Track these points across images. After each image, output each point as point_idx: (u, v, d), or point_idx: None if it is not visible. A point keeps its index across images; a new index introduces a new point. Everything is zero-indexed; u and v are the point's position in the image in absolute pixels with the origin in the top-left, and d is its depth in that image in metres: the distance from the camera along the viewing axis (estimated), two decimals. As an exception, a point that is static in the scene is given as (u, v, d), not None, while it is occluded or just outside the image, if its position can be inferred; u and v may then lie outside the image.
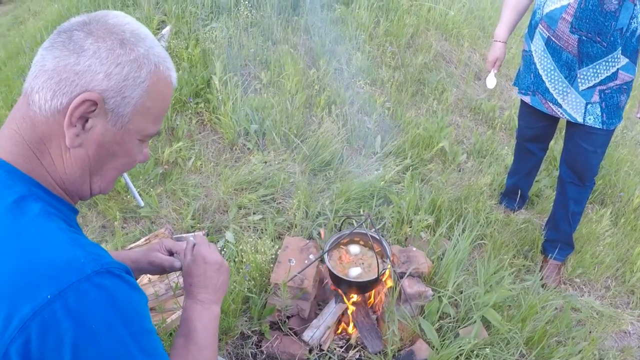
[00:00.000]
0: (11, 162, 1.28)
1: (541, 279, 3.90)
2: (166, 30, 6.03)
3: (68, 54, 1.26)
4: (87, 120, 1.28)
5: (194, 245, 1.85)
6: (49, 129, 1.28)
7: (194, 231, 3.97)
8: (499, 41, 3.97)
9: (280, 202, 4.20)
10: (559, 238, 4.09)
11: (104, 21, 1.31)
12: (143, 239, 3.77)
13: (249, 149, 4.80)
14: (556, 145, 5.16)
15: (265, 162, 4.57)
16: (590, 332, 3.59)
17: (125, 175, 1.73)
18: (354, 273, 3.17)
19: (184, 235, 3.81)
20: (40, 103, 1.26)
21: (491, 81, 4.08)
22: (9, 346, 1.07)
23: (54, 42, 1.29)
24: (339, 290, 3.25)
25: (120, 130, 1.34)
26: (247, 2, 6.19)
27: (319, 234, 3.84)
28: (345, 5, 6.82)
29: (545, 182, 4.91)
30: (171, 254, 2.00)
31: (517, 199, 4.53)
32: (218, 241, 3.83)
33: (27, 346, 1.08)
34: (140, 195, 4.18)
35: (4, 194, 1.23)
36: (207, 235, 3.91)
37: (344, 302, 3.26)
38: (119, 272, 1.22)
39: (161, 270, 1.96)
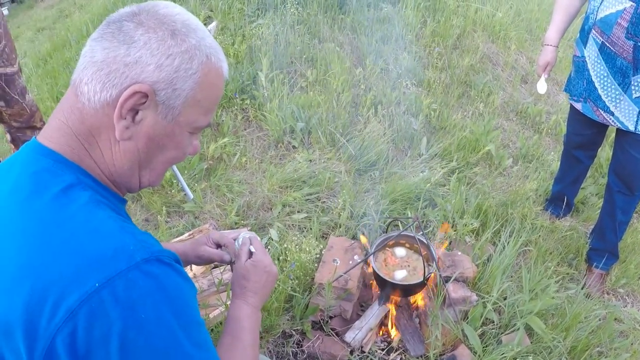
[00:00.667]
0: (59, 151, 1.27)
1: (584, 288, 3.86)
2: (212, 26, 6.05)
3: (118, 45, 1.23)
4: (137, 113, 1.26)
5: (249, 246, 1.85)
6: (98, 121, 1.27)
7: (237, 228, 3.97)
8: (550, 45, 3.91)
9: (324, 202, 4.19)
10: (604, 247, 4.03)
11: (154, 11, 1.29)
12: (187, 234, 3.78)
13: (294, 146, 4.80)
14: (602, 152, 5.09)
15: (311, 161, 4.56)
16: (632, 344, 3.54)
17: (175, 167, 1.73)
18: (400, 276, 3.15)
19: (228, 231, 3.82)
20: (90, 95, 1.24)
21: (542, 86, 4.03)
22: (55, 335, 1.06)
23: (103, 33, 1.27)
24: (386, 292, 3.24)
25: (171, 123, 1.32)
26: (293, 0, 6.20)
27: (362, 235, 3.83)
28: (392, 5, 6.79)
29: (591, 190, 4.85)
30: (218, 246, 2.00)
31: (563, 206, 4.47)
32: (262, 239, 3.83)
33: (74, 335, 1.06)
34: (180, 189, 4.21)
35: (52, 182, 1.21)
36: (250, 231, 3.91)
37: (387, 304, 3.25)
38: (169, 260, 1.21)
39: (210, 262, 1.98)
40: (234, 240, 1.96)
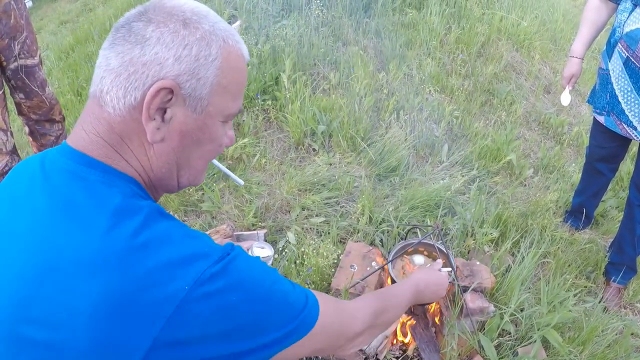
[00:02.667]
0: (104, 161, 1.24)
1: (601, 302, 3.83)
2: (236, 24, 6.06)
3: (131, 46, 1.20)
4: (165, 111, 1.23)
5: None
6: (127, 128, 1.23)
7: (254, 229, 3.97)
8: (576, 57, 3.89)
9: (343, 206, 4.18)
10: (622, 261, 4.00)
11: (161, 5, 1.26)
12: (204, 234, 3.77)
13: (314, 149, 4.79)
14: (624, 165, 5.06)
15: (331, 164, 4.55)
16: (649, 359, 3.52)
17: (214, 161, 1.70)
18: (418, 284, 3.14)
19: (245, 233, 3.82)
20: (113, 103, 1.21)
21: (566, 98, 4.01)
22: (149, 350, 1.07)
23: (113, 40, 1.24)
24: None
25: (201, 115, 1.28)
26: (318, 1, 6.20)
27: (381, 241, 3.81)
28: (417, 10, 6.78)
29: (612, 203, 4.82)
30: None
31: (583, 218, 4.44)
32: (279, 241, 3.82)
33: (171, 341, 1.09)
34: (199, 187, 4.21)
35: (106, 193, 1.19)
36: (269, 235, 3.90)
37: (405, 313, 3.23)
38: (234, 247, 1.24)
39: None
40: (247, 250, 1.96)
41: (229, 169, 4.31)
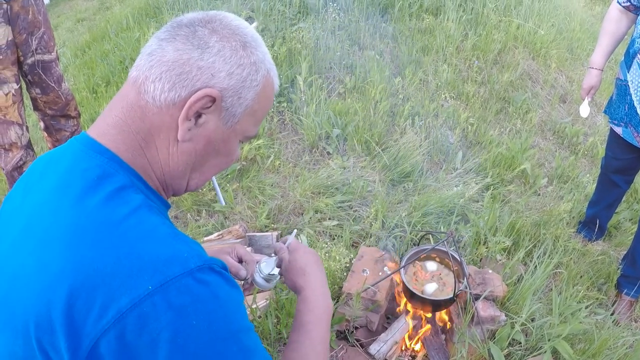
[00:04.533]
0: (113, 149, 1.27)
1: (612, 314, 3.81)
2: (253, 26, 6.04)
3: (192, 48, 1.26)
4: (200, 116, 1.29)
5: (288, 245, 1.88)
6: (160, 120, 1.28)
7: (267, 231, 3.97)
8: (596, 68, 3.87)
9: (357, 210, 4.18)
10: (635, 274, 3.96)
11: (227, 22, 1.33)
12: (215, 234, 3.78)
13: (328, 153, 4.80)
14: (638, 177, 5.04)
15: (345, 168, 4.55)
16: (659, 374, 3.50)
17: None
18: (431, 289, 3.13)
19: (257, 234, 3.81)
20: (156, 93, 1.25)
21: (585, 110, 4.00)
22: (100, 338, 1.06)
23: (175, 35, 1.28)
24: (414, 308, 3.22)
25: (229, 129, 1.35)
26: (335, 5, 6.20)
27: (393, 246, 3.81)
28: (434, 16, 6.78)
29: (625, 215, 4.80)
30: (240, 261, 1.99)
31: (596, 230, 4.42)
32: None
33: (121, 339, 1.06)
34: (212, 186, 4.22)
35: (105, 181, 1.21)
36: (280, 236, 3.90)
37: (414, 319, 3.23)
38: (219, 269, 1.21)
39: None
40: (257, 262, 1.95)
41: (241, 171, 4.33)
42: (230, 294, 1.21)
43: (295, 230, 1.98)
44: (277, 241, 2.02)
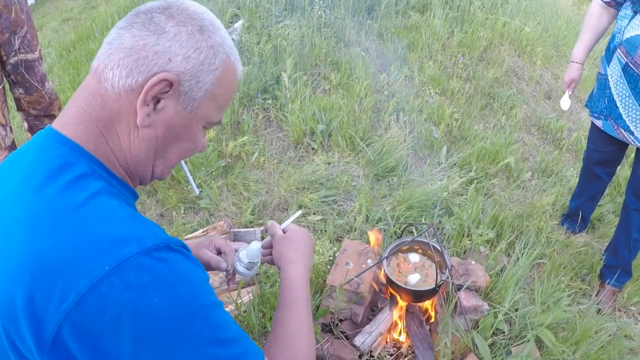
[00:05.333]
0: (75, 139, 1.28)
1: (596, 304, 3.84)
2: (239, 24, 6.07)
3: (148, 34, 1.26)
4: (159, 101, 1.29)
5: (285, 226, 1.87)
6: (119, 107, 1.28)
7: (252, 226, 3.98)
8: (576, 62, 3.91)
9: (341, 205, 4.19)
10: (617, 265, 4.01)
11: (184, 7, 1.33)
12: (200, 230, 3.79)
13: (313, 148, 4.81)
14: (621, 170, 5.07)
15: (329, 164, 4.57)
16: (642, 362, 3.53)
17: (182, 163, 1.74)
18: (414, 280, 3.14)
19: (242, 230, 3.82)
20: (114, 80, 1.26)
21: (565, 103, 4.03)
22: (62, 323, 1.05)
23: (132, 22, 1.29)
24: (397, 297, 3.23)
25: (190, 114, 1.35)
26: (321, 2, 6.22)
27: (370, 231, 3.82)
28: (420, 13, 6.80)
29: (608, 207, 4.83)
30: (219, 253, 2.00)
31: (579, 222, 4.45)
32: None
33: (83, 322, 1.05)
34: (197, 184, 4.22)
35: (65, 170, 1.22)
36: (265, 233, 3.91)
37: (398, 310, 3.24)
38: (178, 247, 1.21)
39: (206, 267, 1.94)
40: (236, 251, 1.96)
41: (226, 168, 4.34)
42: (191, 270, 1.21)
43: (301, 211, 1.99)
44: (262, 239, 2.02)
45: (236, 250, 1.96)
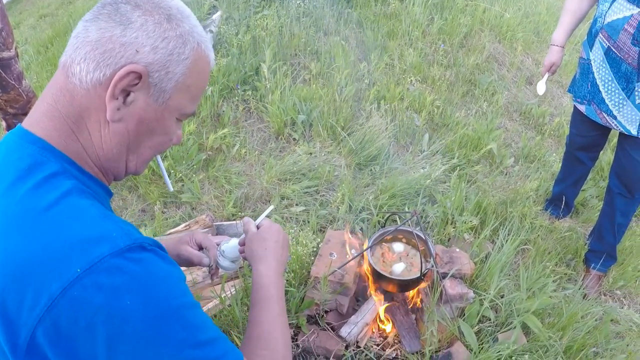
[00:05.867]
0: (45, 138, 1.25)
1: (581, 289, 3.84)
2: (217, 15, 6.04)
3: (114, 25, 1.23)
4: (128, 94, 1.25)
5: (260, 222, 1.84)
6: (88, 102, 1.25)
7: (234, 219, 3.95)
8: (557, 45, 3.90)
9: (323, 195, 4.17)
10: (602, 249, 4.02)
11: None
12: (183, 225, 3.76)
13: (294, 139, 4.78)
14: (604, 155, 5.07)
15: (311, 154, 4.55)
16: (628, 345, 3.52)
17: (158, 157, 1.72)
18: (399, 269, 3.13)
19: (225, 223, 3.80)
20: (82, 75, 1.23)
21: (541, 87, 4.03)
22: (36, 327, 1.04)
23: (98, 14, 1.26)
24: (382, 287, 3.21)
25: (161, 107, 1.32)
26: (300, -8, 6.19)
27: (361, 229, 3.80)
28: (400, 1, 6.79)
29: (592, 192, 4.83)
30: (200, 248, 1.98)
31: (562, 207, 4.45)
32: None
33: (57, 325, 1.03)
34: (177, 178, 4.19)
35: (35, 170, 1.19)
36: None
37: (382, 300, 3.22)
38: (151, 247, 1.18)
39: (188, 264, 1.94)
40: (218, 245, 1.94)
41: (207, 161, 4.31)
42: (166, 270, 1.18)
43: (273, 206, 1.97)
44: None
45: (218, 245, 1.94)
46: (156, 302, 1.11)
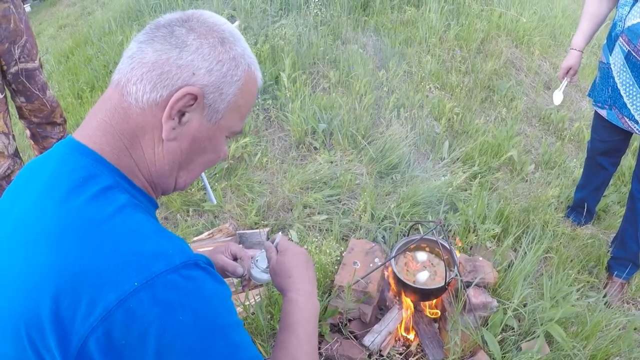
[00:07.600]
0: (98, 151, 1.28)
1: (604, 297, 3.82)
2: (235, 24, 6.04)
3: (170, 48, 1.27)
4: (184, 114, 1.30)
5: (277, 245, 1.85)
6: (143, 121, 1.29)
7: (257, 228, 3.97)
8: (576, 49, 3.88)
9: (345, 203, 4.18)
10: (625, 256, 3.98)
11: (204, 19, 1.34)
12: (206, 233, 3.78)
13: (315, 148, 4.80)
14: (625, 160, 5.05)
15: (332, 162, 4.56)
16: (652, 354, 3.51)
17: (202, 172, 1.74)
18: (423, 278, 3.14)
19: (248, 232, 3.81)
20: (138, 95, 1.27)
21: (558, 97, 4.02)
22: (88, 335, 1.06)
23: (153, 36, 1.30)
24: (404, 296, 3.22)
25: (214, 126, 1.36)
26: (317, 0, 6.20)
27: (383, 237, 3.81)
28: (416, 8, 6.79)
29: (613, 198, 4.81)
30: (235, 259, 2.01)
31: (584, 214, 4.43)
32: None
33: (109, 336, 1.06)
34: (203, 189, 4.22)
35: (90, 182, 1.22)
36: (271, 233, 3.90)
37: (407, 309, 3.23)
38: (205, 265, 1.22)
39: (222, 273, 1.96)
40: (251, 257, 1.96)
41: (229, 170, 4.33)
42: (215, 290, 1.22)
43: (280, 233, 1.99)
44: (267, 239, 2.02)
45: (252, 257, 1.97)
46: (205, 320, 1.16)
